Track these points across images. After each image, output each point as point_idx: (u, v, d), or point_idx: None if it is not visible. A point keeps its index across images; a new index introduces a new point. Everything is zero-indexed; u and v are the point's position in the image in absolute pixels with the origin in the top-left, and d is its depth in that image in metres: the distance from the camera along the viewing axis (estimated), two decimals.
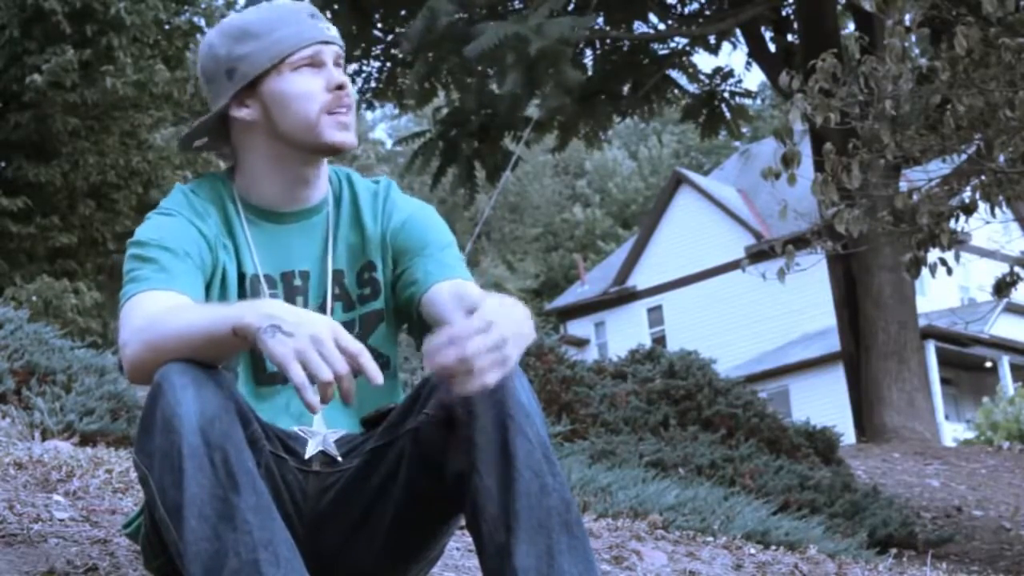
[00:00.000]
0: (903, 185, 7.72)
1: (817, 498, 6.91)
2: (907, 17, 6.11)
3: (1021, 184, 6.25)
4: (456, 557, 2.89)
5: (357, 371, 1.71)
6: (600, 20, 13.24)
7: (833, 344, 18.99)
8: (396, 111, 19.90)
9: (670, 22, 14.50)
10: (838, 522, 6.63)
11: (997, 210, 6.51)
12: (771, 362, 26.15)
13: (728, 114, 14.55)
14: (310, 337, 1.70)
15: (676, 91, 14.83)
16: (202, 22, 17.48)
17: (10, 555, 2.34)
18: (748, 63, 15.45)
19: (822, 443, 7.96)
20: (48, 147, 15.39)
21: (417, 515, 1.96)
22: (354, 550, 2.00)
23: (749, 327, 26.89)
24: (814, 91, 5.89)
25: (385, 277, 2.12)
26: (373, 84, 14.35)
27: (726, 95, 14.47)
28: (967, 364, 26.06)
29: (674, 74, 14.61)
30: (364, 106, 15.33)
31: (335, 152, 2.06)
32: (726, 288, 26.74)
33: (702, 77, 14.48)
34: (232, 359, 1.98)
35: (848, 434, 12.35)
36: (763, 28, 14.54)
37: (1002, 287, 7.54)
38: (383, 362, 2.10)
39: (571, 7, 12.53)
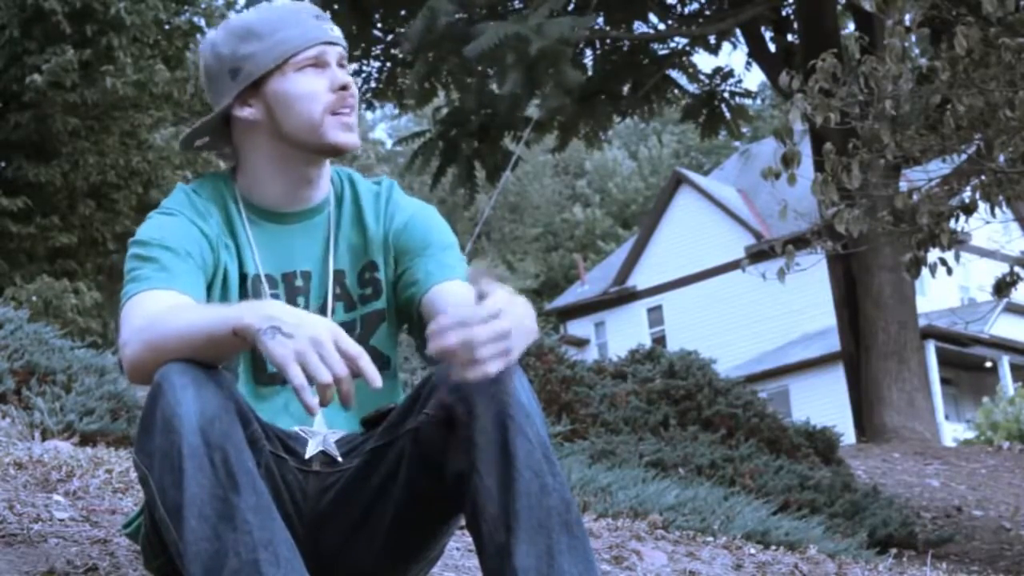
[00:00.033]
0: (903, 185, 7.71)
1: (817, 498, 6.91)
2: (907, 17, 6.11)
3: (1021, 184, 6.25)
4: (456, 557, 2.89)
5: (356, 374, 1.71)
6: (600, 20, 13.24)
7: (833, 344, 18.99)
8: (396, 111, 19.90)
9: (670, 22, 14.50)
10: (838, 522, 6.63)
11: (997, 210, 6.51)
12: (771, 362, 26.16)
13: (728, 114, 14.55)
14: (310, 339, 1.70)
15: (676, 91, 14.83)
16: (202, 22, 17.48)
17: (10, 555, 2.34)
18: (748, 63, 15.45)
19: (822, 443, 7.96)
20: (48, 147, 15.39)
21: (417, 515, 1.96)
22: (354, 550, 2.00)
23: (749, 327, 26.90)
24: (814, 91, 5.89)
25: (387, 277, 2.12)
26: (373, 84, 14.35)
27: (726, 95, 14.47)
28: (967, 364, 26.06)
29: (674, 74, 14.61)
30: (364, 106, 15.33)
31: (339, 153, 2.06)
32: (726, 288, 26.74)
33: (702, 77, 14.48)
34: (232, 359, 1.98)
35: (848, 434, 12.35)
36: (763, 28, 14.54)
37: (1002, 287, 7.54)
38: (384, 362, 2.10)
39: (571, 7, 12.52)
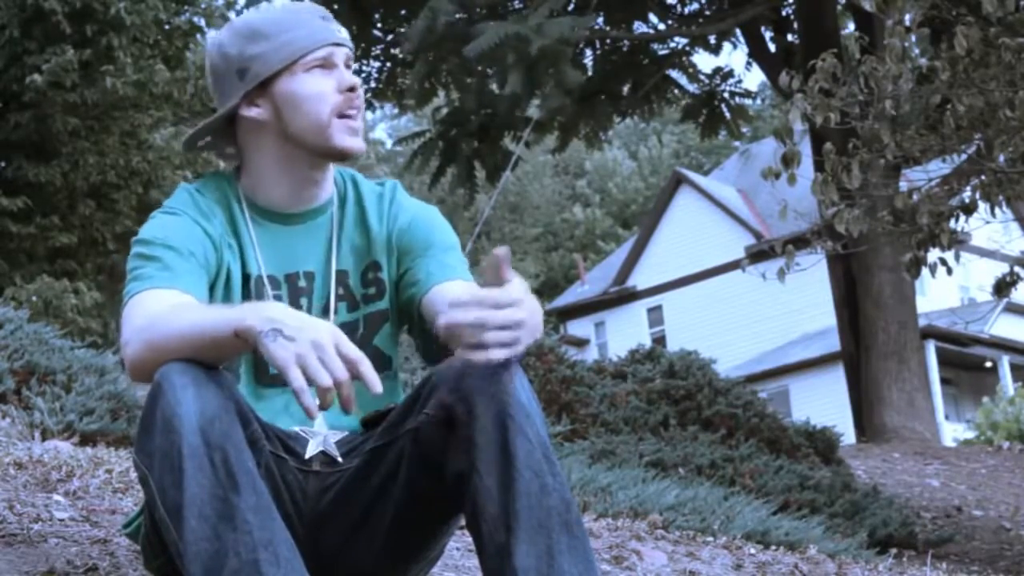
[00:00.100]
0: (903, 185, 7.72)
1: (817, 498, 6.91)
2: (907, 17, 6.12)
3: (1021, 184, 6.25)
4: (456, 557, 2.89)
5: (356, 378, 1.71)
6: (600, 20, 13.24)
7: (833, 344, 19.00)
8: (396, 111, 19.90)
9: (670, 22, 14.50)
10: (838, 522, 6.63)
11: (997, 210, 6.51)
12: (771, 362, 26.16)
13: (728, 114, 14.55)
14: (311, 342, 1.70)
15: (676, 91, 14.83)
16: (202, 22, 17.47)
17: (10, 555, 2.34)
18: (748, 63, 15.45)
19: (822, 443, 7.96)
20: (48, 147, 15.38)
21: (417, 515, 1.96)
22: (354, 550, 2.00)
23: (749, 327, 26.90)
24: (814, 91, 5.89)
25: (390, 277, 2.12)
26: (373, 84, 14.36)
27: (726, 95, 14.48)
28: (967, 364, 26.06)
29: (674, 74, 14.61)
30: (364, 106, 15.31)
31: (344, 157, 2.07)
32: (726, 288, 26.74)
33: (702, 77, 14.49)
34: (233, 360, 1.98)
35: (848, 434, 12.35)
36: (763, 28, 14.54)
37: (1002, 287, 7.54)
38: (386, 362, 2.10)
39: (571, 7, 12.53)
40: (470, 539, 2.13)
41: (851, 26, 13.69)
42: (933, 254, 6.56)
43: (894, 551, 5.96)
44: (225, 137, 2.12)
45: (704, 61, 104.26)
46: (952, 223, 6.48)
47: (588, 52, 14.17)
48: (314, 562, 1.89)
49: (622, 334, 27.94)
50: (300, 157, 2.07)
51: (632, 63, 14.22)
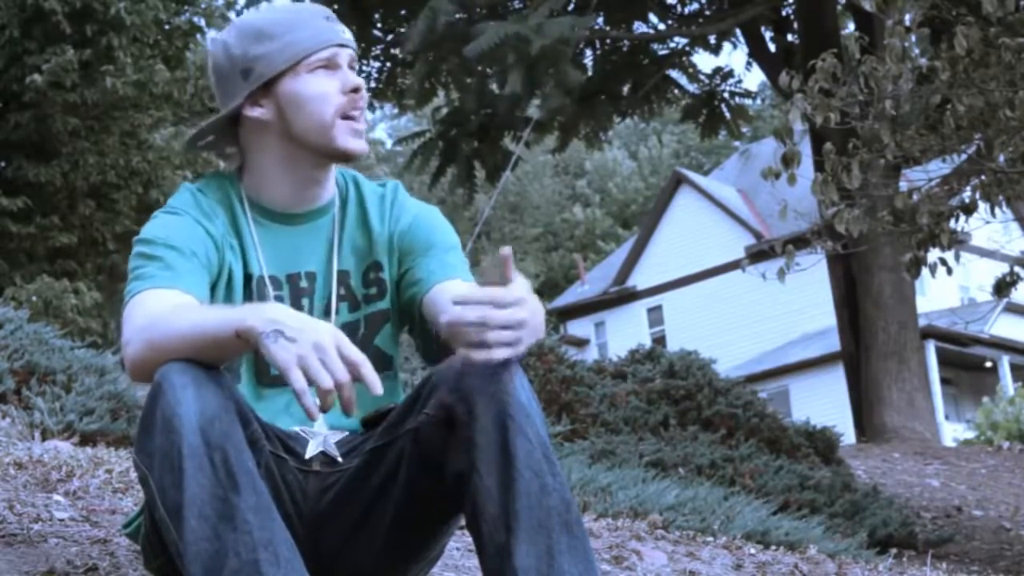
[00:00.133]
0: (903, 185, 7.71)
1: (817, 498, 6.91)
2: (907, 17, 6.12)
3: (1021, 184, 6.25)
4: (456, 557, 2.89)
5: (358, 379, 1.72)
6: (600, 20, 13.24)
7: (833, 344, 18.99)
8: (396, 111, 19.90)
9: (670, 22, 14.50)
10: (838, 522, 6.63)
11: (997, 210, 6.51)
12: (771, 362, 26.16)
13: (728, 114, 14.55)
14: (313, 344, 1.70)
15: (676, 91, 14.83)
16: (202, 22, 17.46)
17: (10, 555, 2.34)
18: (748, 63, 15.45)
19: (822, 443, 7.96)
20: (48, 147, 15.38)
21: (417, 515, 1.96)
22: (354, 550, 2.00)
23: (749, 327, 26.90)
24: (814, 91, 5.89)
25: (391, 277, 2.12)
26: (373, 84, 14.35)
27: (726, 95, 14.47)
28: (967, 364, 26.06)
29: (674, 74, 14.61)
30: None
31: (347, 159, 2.07)
32: (726, 288, 26.74)
33: (702, 77, 14.48)
34: (234, 361, 1.98)
35: (848, 434, 12.35)
36: (763, 28, 14.54)
37: (1002, 287, 7.55)
38: (387, 362, 2.10)
39: (571, 7, 12.53)
40: (470, 539, 2.13)
41: (851, 26, 13.69)
42: (933, 254, 6.56)
43: (894, 551, 5.96)
44: (227, 137, 2.12)
45: (704, 61, 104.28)
46: (952, 223, 6.48)
47: (588, 52, 14.16)
48: (314, 562, 1.89)
49: (622, 334, 27.94)
50: (303, 157, 2.07)
51: (632, 63, 14.22)
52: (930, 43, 7.72)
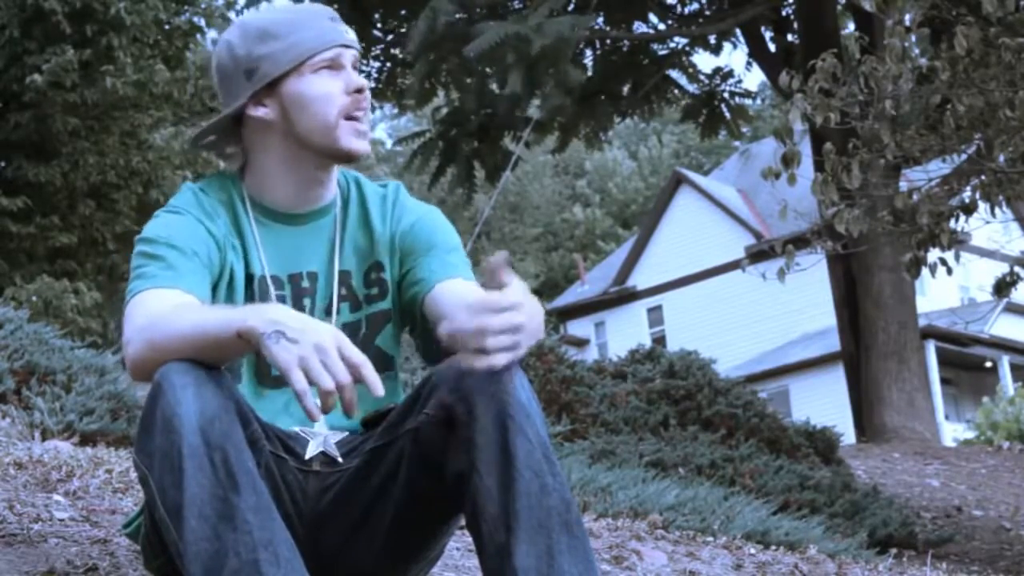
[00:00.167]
0: (903, 185, 7.71)
1: (817, 498, 6.91)
2: (907, 17, 6.12)
3: (1021, 184, 6.25)
4: (456, 557, 2.89)
5: (359, 381, 1.72)
6: (600, 20, 13.24)
7: (833, 344, 18.99)
8: (396, 111, 19.90)
9: (670, 22, 14.50)
10: (838, 522, 6.63)
11: (997, 210, 6.51)
12: (771, 362, 26.16)
13: (728, 114, 14.55)
14: (314, 345, 1.70)
15: (676, 91, 14.82)
16: (202, 22, 17.46)
17: (10, 555, 2.34)
18: (748, 63, 15.44)
19: (822, 443, 7.96)
20: (48, 147, 15.38)
21: (417, 515, 1.96)
22: (354, 550, 2.00)
23: (749, 327, 26.90)
24: (814, 91, 5.89)
25: (392, 278, 2.12)
26: (373, 84, 14.35)
27: (726, 95, 14.47)
28: (967, 364, 26.06)
29: (674, 74, 14.61)
30: None
31: (350, 160, 2.07)
32: (726, 288, 26.74)
33: (702, 77, 14.48)
34: (235, 361, 1.98)
35: (848, 434, 12.35)
36: (763, 28, 14.54)
37: (1002, 287, 7.54)
38: (387, 362, 2.10)
39: (571, 7, 12.52)
40: (470, 539, 2.13)
41: (851, 26, 13.69)
42: (933, 254, 6.56)
43: (894, 551, 5.96)
44: (230, 136, 2.12)
45: (704, 61, 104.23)
46: (952, 223, 6.47)
47: (588, 52, 14.16)
48: (314, 562, 1.89)
49: (622, 334, 27.94)
50: (306, 158, 2.07)
51: (632, 63, 14.21)
52: (930, 43, 7.72)
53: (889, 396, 13.01)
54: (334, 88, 2.04)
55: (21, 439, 4.38)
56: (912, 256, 6.53)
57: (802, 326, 26.21)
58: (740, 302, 26.42)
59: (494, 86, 12.71)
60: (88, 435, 4.71)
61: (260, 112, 2.05)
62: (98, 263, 16.12)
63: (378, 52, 14.16)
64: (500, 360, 1.70)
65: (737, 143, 28.96)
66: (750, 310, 26.57)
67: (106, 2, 14.90)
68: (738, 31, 14.37)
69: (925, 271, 6.66)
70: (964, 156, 6.92)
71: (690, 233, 28.75)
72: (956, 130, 6.01)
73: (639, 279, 29.68)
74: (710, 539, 4.36)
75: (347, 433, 2.05)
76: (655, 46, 14.44)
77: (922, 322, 16.21)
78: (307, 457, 2.00)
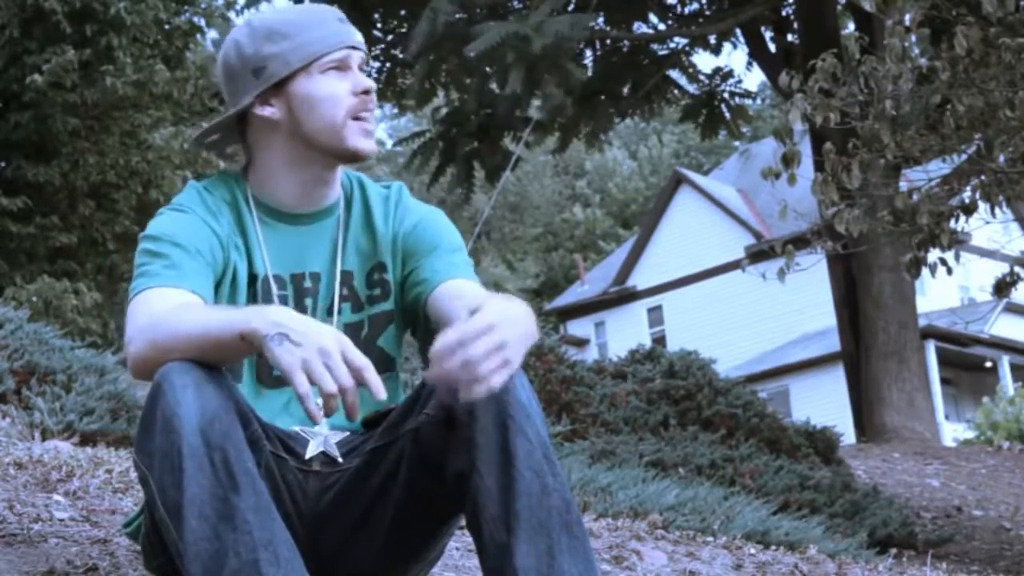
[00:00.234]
0: (903, 185, 7.71)
1: (817, 498, 6.91)
2: (907, 17, 6.11)
3: (1021, 184, 6.25)
4: (456, 557, 2.89)
5: (361, 384, 1.72)
6: (600, 20, 13.24)
7: (833, 344, 18.99)
8: (396, 111, 19.90)
9: (670, 22, 14.50)
10: (838, 522, 6.63)
11: (997, 210, 6.50)
12: (771, 362, 26.16)
13: (728, 114, 14.55)
14: (317, 348, 1.70)
15: (676, 91, 14.83)
16: (202, 22, 17.45)
17: (10, 555, 2.34)
18: (748, 63, 15.45)
19: (822, 443, 7.96)
20: (48, 147, 15.38)
21: (417, 515, 1.96)
22: (354, 550, 2.00)
23: (749, 327, 26.90)
24: (814, 91, 5.89)
25: (395, 278, 2.12)
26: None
27: (726, 95, 14.47)
28: (967, 364, 26.06)
29: (674, 74, 14.61)
30: None
31: (357, 159, 2.07)
32: (726, 288, 26.74)
33: (702, 77, 14.48)
34: (237, 362, 1.98)
35: (848, 434, 12.35)
36: (763, 28, 14.54)
37: (1002, 287, 7.53)
38: (389, 363, 2.11)
39: (571, 7, 12.53)
40: (470, 539, 2.13)
41: (851, 26, 13.69)
42: (933, 254, 6.55)
43: (894, 551, 5.96)
44: (233, 135, 2.12)
45: (704, 61, 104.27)
46: (952, 223, 6.47)
47: (588, 52, 14.16)
48: (314, 562, 1.89)
49: (622, 334, 27.94)
50: (312, 157, 2.07)
51: (632, 63, 14.21)
52: (930, 43, 7.72)
53: (889, 396, 13.01)
54: (342, 89, 2.04)
55: (21, 439, 4.38)
56: (912, 256, 6.53)
57: (802, 326, 26.21)
58: (740, 302, 26.42)
59: (494, 86, 12.71)
60: (88, 435, 4.71)
61: (267, 111, 2.05)
62: (98, 263, 16.12)
63: (378, 52, 14.16)
64: (497, 381, 1.71)
65: (737, 143, 28.97)
66: (750, 310, 26.57)
67: (106, 2, 14.89)
68: (738, 31, 14.37)
69: (925, 271, 6.66)
70: (964, 156, 6.92)
71: (690, 233, 28.75)
72: (956, 130, 6.01)
73: (639, 279, 29.68)
74: (710, 539, 4.36)
75: (347, 433, 2.05)
76: (655, 46, 14.44)
77: (922, 322, 16.21)
78: (307, 457, 2.00)
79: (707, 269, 28.17)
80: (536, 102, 12.79)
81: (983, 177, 6.45)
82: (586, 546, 1.80)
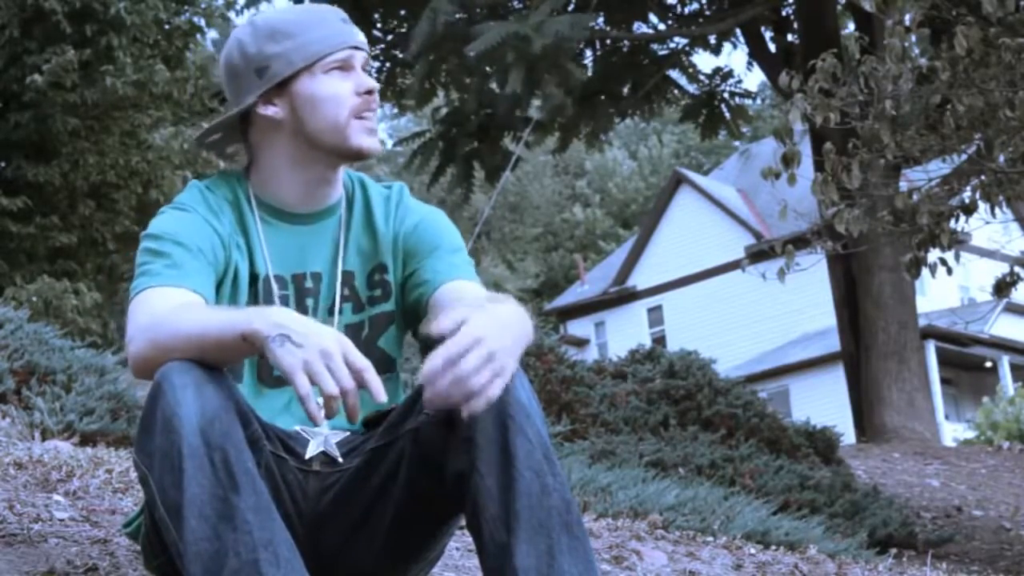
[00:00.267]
0: (903, 185, 7.71)
1: (817, 498, 6.91)
2: (907, 17, 6.11)
3: (1021, 184, 6.25)
4: (456, 557, 2.89)
5: (362, 386, 1.72)
6: (600, 20, 13.24)
7: (833, 344, 18.99)
8: (396, 111, 19.90)
9: (670, 22, 14.50)
10: (838, 522, 6.63)
11: (997, 210, 6.50)
12: (771, 362, 26.16)
13: (728, 114, 14.55)
14: (319, 350, 1.71)
15: (676, 91, 14.83)
16: (202, 22, 17.44)
17: (10, 555, 2.34)
18: (748, 63, 15.45)
19: (822, 443, 7.96)
20: (48, 147, 15.37)
21: (417, 515, 1.96)
22: (354, 550, 2.00)
23: (749, 327, 26.90)
24: (814, 91, 5.89)
25: (396, 279, 2.12)
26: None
27: (726, 95, 14.47)
28: (967, 364, 26.06)
29: (674, 74, 14.61)
30: None
31: (361, 157, 2.07)
32: (726, 288, 26.74)
33: (702, 77, 14.48)
34: (238, 363, 1.98)
35: (848, 434, 12.35)
36: (763, 28, 14.54)
37: (1002, 287, 7.53)
38: (389, 364, 2.11)
39: (571, 7, 12.53)
40: (470, 539, 2.13)
41: (851, 26, 13.69)
42: (933, 254, 6.55)
43: (894, 551, 5.96)
44: (235, 135, 2.12)
45: (704, 61, 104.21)
46: (952, 223, 6.47)
47: (588, 52, 14.16)
48: (314, 562, 1.89)
49: (622, 334, 27.94)
50: (315, 157, 2.07)
51: (632, 63, 14.21)
52: (930, 43, 7.72)
53: (889, 396, 13.01)
54: (345, 89, 2.04)
55: (21, 439, 4.38)
56: (912, 256, 6.53)
57: (802, 326, 26.22)
58: (740, 302, 26.42)
59: (494, 86, 12.71)
60: (88, 435, 4.71)
61: (269, 111, 2.05)
62: (98, 263, 16.11)
63: (378, 52, 14.16)
64: (494, 392, 1.71)
65: (737, 143, 28.97)
66: (750, 310, 26.57)
67: (106, 2, 14.89)
68: (738, 31, 14.37)
69: (925, 271, 6.66)
70: (964, 156, 6.92)
71: (690, 233, 28.75)
72: (956, 130, 6.01)
73: (639, 279, 29.68)
74: (710, 539, 4.36)
75: (348, 433, 2.05)
76: (655, 46, 14.44)
77: (922, 322, 16.21)
78: (307, 457, 2.00)
79: (707, 269, 28.17)
80: (536, 102, 12.79)
81: (983, 177, 6.45)
82: (586, 546, 1.80)
